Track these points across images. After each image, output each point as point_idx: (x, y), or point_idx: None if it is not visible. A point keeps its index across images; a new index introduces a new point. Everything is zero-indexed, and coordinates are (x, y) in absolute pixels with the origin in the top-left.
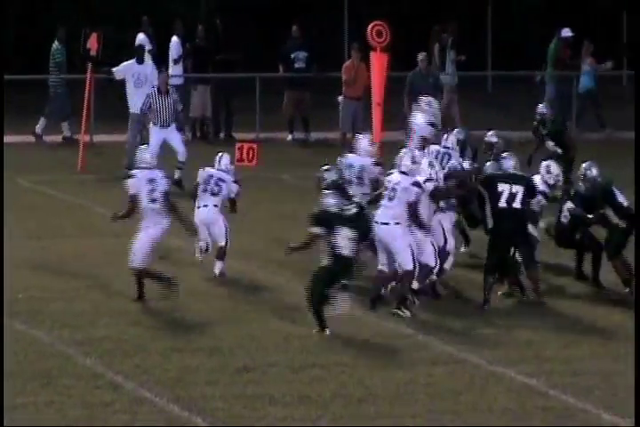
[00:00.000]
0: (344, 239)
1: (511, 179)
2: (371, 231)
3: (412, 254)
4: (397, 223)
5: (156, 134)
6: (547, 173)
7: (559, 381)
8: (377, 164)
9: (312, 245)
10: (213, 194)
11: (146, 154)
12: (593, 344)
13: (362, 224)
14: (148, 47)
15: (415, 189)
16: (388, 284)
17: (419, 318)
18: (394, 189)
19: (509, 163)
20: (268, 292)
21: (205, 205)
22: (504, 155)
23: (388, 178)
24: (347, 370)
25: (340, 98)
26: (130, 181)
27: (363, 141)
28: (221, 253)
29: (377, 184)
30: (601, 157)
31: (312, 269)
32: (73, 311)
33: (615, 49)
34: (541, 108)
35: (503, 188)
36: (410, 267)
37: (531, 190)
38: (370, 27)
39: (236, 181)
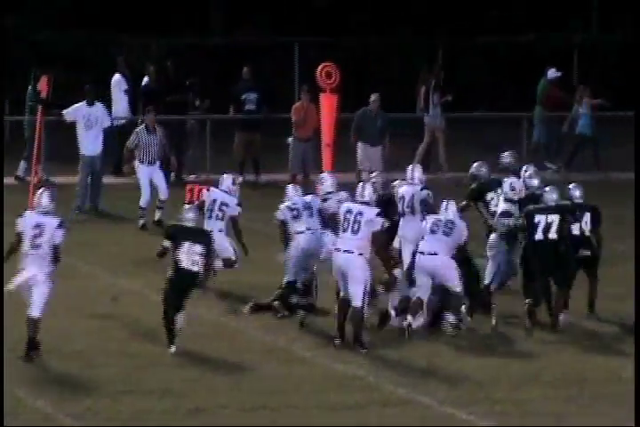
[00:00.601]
0: (187, 254)
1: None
2: (211, 248)
3: (364, 291)
4: (360, 254)
5: (143, 172)
6: (511, 191)
7: (510, 422)
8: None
9: (163, 257)
10: (218, 219)
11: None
12: (544, 386)
13: (205, 240)
14: (124, 87)
15: (380, 219)
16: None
17: (370, 359)
18: (357, 222)
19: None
20: (217, 334)
21: (211, 231)
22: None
23: (347, 208)
24: (297, 412)
25: (290, 139)
26: (18, 219)
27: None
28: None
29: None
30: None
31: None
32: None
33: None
34: (506, 156)
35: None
36: (359, 303)
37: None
38: (319, 68)
39: (239, 204)
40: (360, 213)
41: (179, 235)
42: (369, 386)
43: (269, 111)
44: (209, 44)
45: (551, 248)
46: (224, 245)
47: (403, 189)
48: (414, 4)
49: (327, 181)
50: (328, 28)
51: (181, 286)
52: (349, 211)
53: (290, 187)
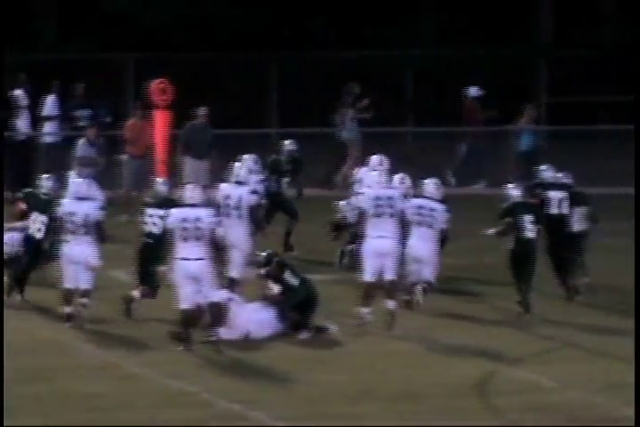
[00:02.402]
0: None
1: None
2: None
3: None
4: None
5: None
6: (436, 191)
7: None
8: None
9: None
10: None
11: None
12: (380, 400)
13: None
14: (25, 102)
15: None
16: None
17: (205, 375)
18: (198, 228)
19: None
20: (47, 349)
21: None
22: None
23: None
24: None
25: (124, 156)
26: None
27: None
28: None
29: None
30: None
31: None
32: None
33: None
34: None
35: None
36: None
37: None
38: (153, 84)
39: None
40: (198, 220)
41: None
42: (203, 402)
43: (103, 128)
44: (39, 61)
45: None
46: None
47: (230, 189)
48: (250, 18)
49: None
50: (161, 44)
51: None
52: (185, 219)
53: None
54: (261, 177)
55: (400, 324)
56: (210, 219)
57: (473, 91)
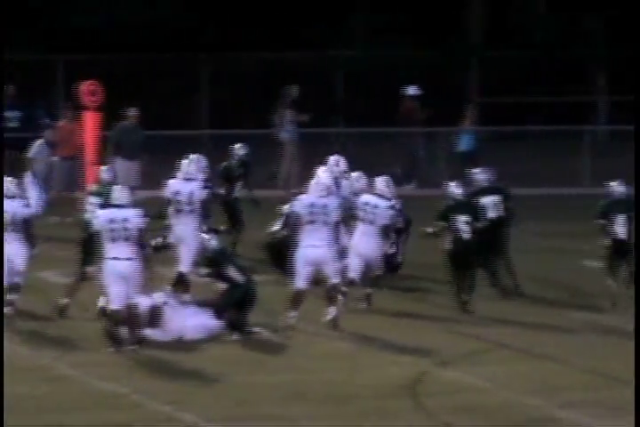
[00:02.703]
0: None
1: None
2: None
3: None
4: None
5: None
6: (385, 188)
7: None
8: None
9: None
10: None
11: None
12: (310, 402)
13: None
14: None
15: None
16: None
17: (136, 376)
18: (126, 229)
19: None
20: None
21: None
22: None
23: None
24: None
25: (55, 158)
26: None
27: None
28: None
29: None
30: None
31: None
32: None
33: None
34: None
35: None
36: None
37: None
38: (83, 86)
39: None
40: (126, 220)
41: None
42: (133, 404)
43: (35, 130)
44: None
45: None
46: None
47: (179, 185)
48: (181, 19)
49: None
50: (91, 45)
51: None
52: (112, 220)
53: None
54: (206, 177)
55: (324, 318)
56: (138, 219)
57: (411, 90)
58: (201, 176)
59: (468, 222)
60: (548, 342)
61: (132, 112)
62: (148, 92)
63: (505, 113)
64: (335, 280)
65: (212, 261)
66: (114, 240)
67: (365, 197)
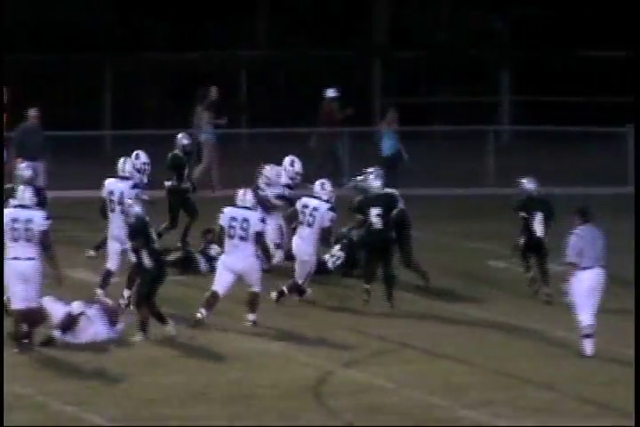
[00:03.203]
0: None
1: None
2: None
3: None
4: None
5: None
6: (322, 190)
7: None
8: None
9: None
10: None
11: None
12: (211, 402)
13: None
14: None
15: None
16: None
17: (39, 377)
18: (27, 229)
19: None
20: None
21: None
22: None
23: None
24: None
25: None
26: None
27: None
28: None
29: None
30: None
31: None
32: None
33: None
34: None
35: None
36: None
37: None
38: None
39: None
40: (29, 221)
41: None
42: (37, 405)
43: None
44: None
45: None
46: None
47: (112, 185)
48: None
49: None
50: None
51: None
52: (15, 220)
53: None
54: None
55: (237, 326)
56: (41, 221)
57: (330, 91)
58: (137, 174)
59: (379, 215)
60: (452, 342)
61: (33, 113)
62: (51, 92)
63: (409, 113)
64: (256, 289)
65: (135, 231)
66: (15, 240)
67: (304, 200)
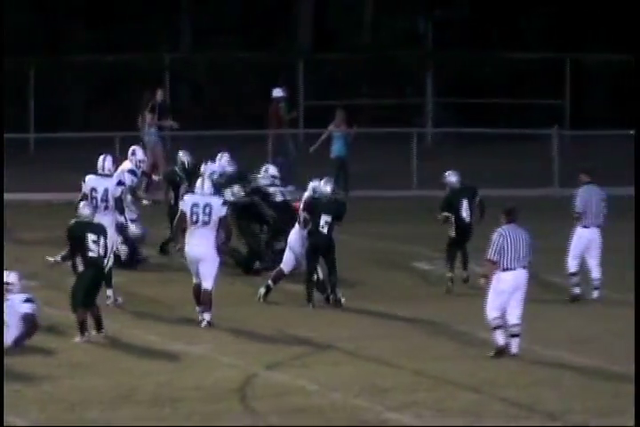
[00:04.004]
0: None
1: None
2: None
3: None
4: None
5: None
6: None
7: None
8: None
9: None
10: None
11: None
12: (137, 405)
13: None
14: None
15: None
16: None
17: None
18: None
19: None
20: None
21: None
22: None
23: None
24: None
25: None
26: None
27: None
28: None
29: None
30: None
31: None
32: None
33: None
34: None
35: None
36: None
37: None
38: None
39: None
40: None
41: None
42: None
43: None
44: None
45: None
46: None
47: (95, 181)
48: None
49: None
50: None
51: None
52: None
53: None
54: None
55: (161, 328)
56: None
57: (276, 91)
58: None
59: (327, 222)
60: (377, 343)
61: None
62: None
63: (333, 116)
64: (207, 285)
65: (71, 233)
66: None
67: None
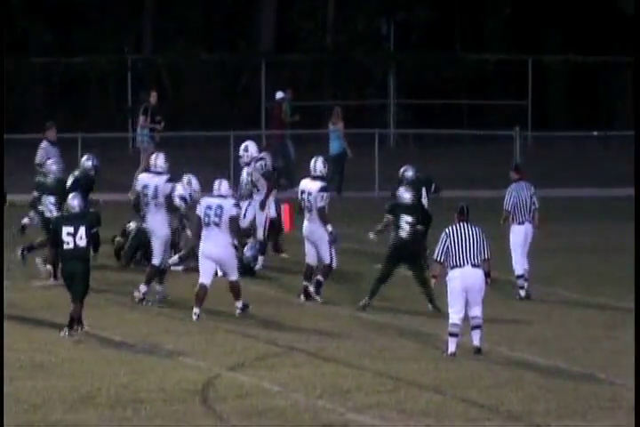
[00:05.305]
0: None
1: None
2: None
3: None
4: None
5: None
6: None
7: None
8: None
9: None
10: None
11: None
12: (99, 406)
13: None
14: None
15: None
16: None
17: None
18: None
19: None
20: None
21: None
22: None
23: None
24: None
25: None
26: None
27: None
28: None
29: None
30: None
31: None
32: None
33: None
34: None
35: None
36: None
37: None
38: None
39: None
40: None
41: None
42: None
43: None
44: None
45: None
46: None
47: (147, 179)
48: None
49: None
50: None
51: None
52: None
53: None
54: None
55: (124, 329)
56: None
57: (278, 94)
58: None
59: (407, 222)
60: (339, 345)
61: None
62: None
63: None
64: (233, 278)
65: (52, 225)
66: None
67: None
